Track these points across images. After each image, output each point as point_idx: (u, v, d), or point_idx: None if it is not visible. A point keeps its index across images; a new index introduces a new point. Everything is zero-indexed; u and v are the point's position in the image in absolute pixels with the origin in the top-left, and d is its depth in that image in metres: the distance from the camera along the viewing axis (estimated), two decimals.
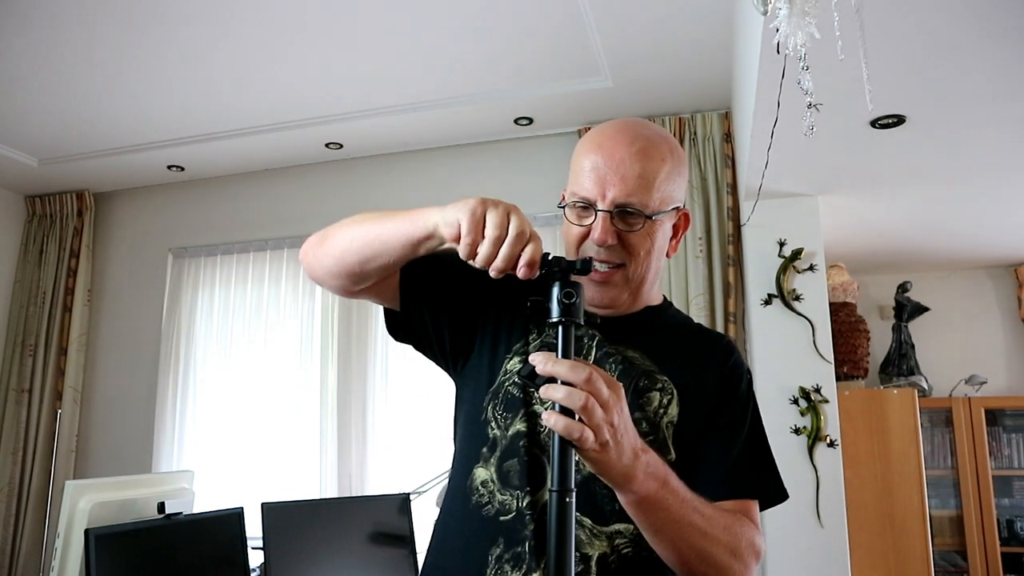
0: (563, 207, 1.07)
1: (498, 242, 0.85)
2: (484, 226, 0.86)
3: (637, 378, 1.03)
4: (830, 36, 1.09)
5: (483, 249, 0.86)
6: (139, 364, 3.83)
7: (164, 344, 3.80)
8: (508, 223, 0.86)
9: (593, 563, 0.96)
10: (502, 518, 0.99)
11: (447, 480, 1.13)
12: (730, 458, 1.04)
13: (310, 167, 3.75)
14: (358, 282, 1.06)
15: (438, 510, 1.15)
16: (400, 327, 1.14)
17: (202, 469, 3.18)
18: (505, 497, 1.00)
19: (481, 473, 1.03)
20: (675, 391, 1.04)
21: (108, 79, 2.89)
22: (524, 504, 0.98)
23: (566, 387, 0.78)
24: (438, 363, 1.18)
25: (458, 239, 0.88)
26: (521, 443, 1.01)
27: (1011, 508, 3.64)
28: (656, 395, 1.03)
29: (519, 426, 1.02)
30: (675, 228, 1.10)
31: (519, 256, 0.85)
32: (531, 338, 1.08)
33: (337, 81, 2.94)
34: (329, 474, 3.42)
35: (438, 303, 1.11)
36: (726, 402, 1.07)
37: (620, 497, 0.87)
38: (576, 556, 0.95)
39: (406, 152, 3.61)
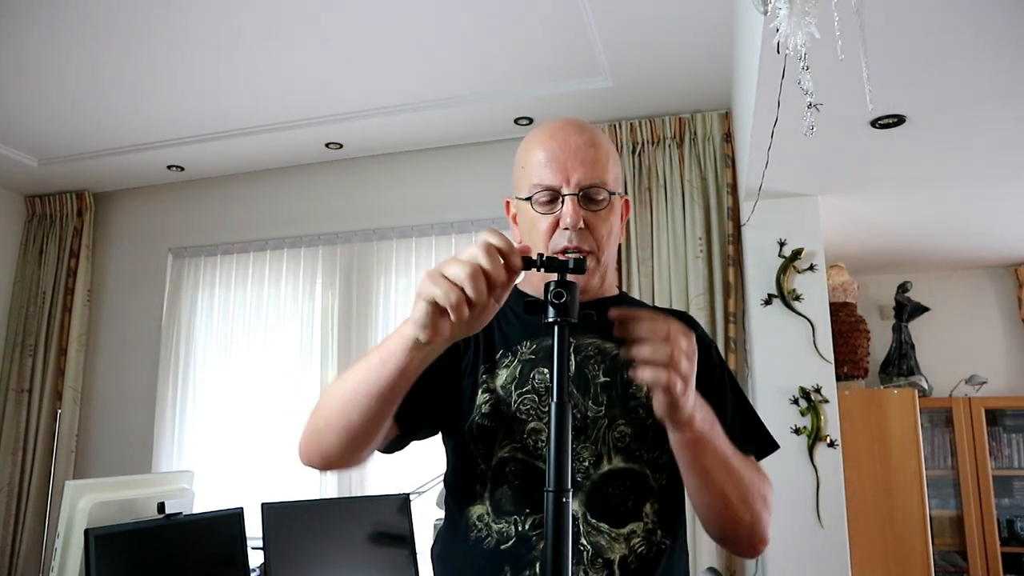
0: (528, 199, 1.06)
1: (460, 299, 0.78)
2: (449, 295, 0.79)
3: (621, 371, 1.05)
4: (830, 36, 1.09)
5: (462, 311, 0.79)
6: (139, 364, 3.83)
7: (164, 344, 3.80)
8: (454, 281, 0.79)
9: (616, 566, 0.97)
10: (502, 547, 0.99)
11: (443, 526, 1.11)
12: (724, 421, 1.06)
13: (310, 167, 3.75)
14: (374, 438, 0.97)
15: (436, 534, 1.13)
16: (400, 443, 1.09)
17: (202, 469, 3.17)
18: (501, 525, 1.00)
19: (477, 509, 1.03)
20: None
21: (108, 79, 2.89)
22: (526, 527, 0.98)
23: (651, 344, 0.83)
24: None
25: (444, 321, 0.81)
26: (507, 469, 1.01)
27: (1011, 508, 3.64)
28: None
29: (501, 453, 1.02)
30: (620, 214, 1.15)
31: (484, 289, 0.78)
32: (500, 359, 1.07)
33: (337, 81, 2.94)
34: (329, 474, 3.42)
35: (428, 401, 1.04)
36: (704, 373, 1.08)
37: (679, 437, 0.90)
38: (599, 563, 0.96)
39: (406, 152, 3.61)
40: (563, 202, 1.04)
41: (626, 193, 2.96)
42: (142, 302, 3.90)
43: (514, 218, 1.15)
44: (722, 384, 1.11)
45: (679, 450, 0.93)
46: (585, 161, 1.04)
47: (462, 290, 0.77)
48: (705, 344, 1.13)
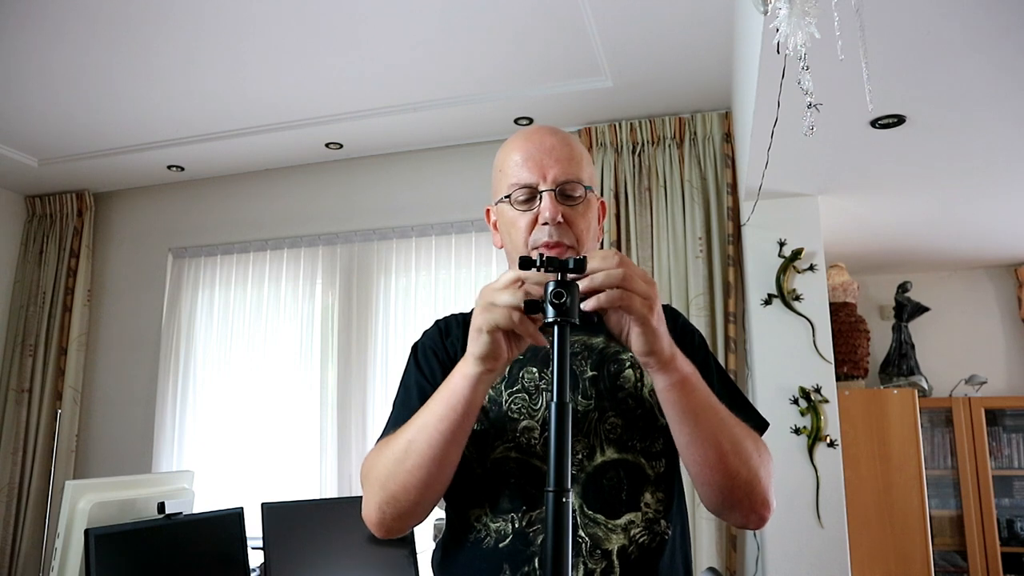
0: (507, 198, 1.09)
1: (520, 316, 0.86)
2: (504, 331, 0.87)
3: (607, 365, 1.07)
4: (830, 36, 1.09)
5: (526, 325, 0.86)
6: (139, 364, 3.83)
7: (164, 344, 3.80)
8: (507, 305, 0.85)
9: (614, 557, 0.97)
10: (500, 545, 0.99)
11: (444, 534, 1.13)
12: None
13: (310, 167, 3.75)
14: (450, 480, 1.00)
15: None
16: None
17: (202, 469, 3.18)
18: (498, 524, 1.00)
19: (476, 511, 1.04)
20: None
21: (108, 79, 2.89)
22: (523, 523, 0.99)
23: (603, 272, 0.84)
24: None
25: (502, 345, 0.88)
26: (504, 468, 1.02)
27: (1011, 508, 3.64)
28: (629, 372, 1.06)
29: (495, 454, 1.03)
30: (598, 214, 1.16)
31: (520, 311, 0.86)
32: None
33: (337, 81, 2.94)
34: (329, 474, 3.42)
35: None
36: (687, 355, 1.09)
37: (664, 380, 0.91)
38: (597, 553, 0.97)
39: (406, 152, 3.61)
40: (541, 198, 1.06)
41: (628, 197, 2.92)
42: (142, 302, 3.90)
43: (494, 225, 1.17)
44: (705, 368, 1.10)
45: (665, 396, 0.92)
46: (560, 159, 1.07)
47: (518, 308, 0.84)
48: (688, 331, 1.15)
